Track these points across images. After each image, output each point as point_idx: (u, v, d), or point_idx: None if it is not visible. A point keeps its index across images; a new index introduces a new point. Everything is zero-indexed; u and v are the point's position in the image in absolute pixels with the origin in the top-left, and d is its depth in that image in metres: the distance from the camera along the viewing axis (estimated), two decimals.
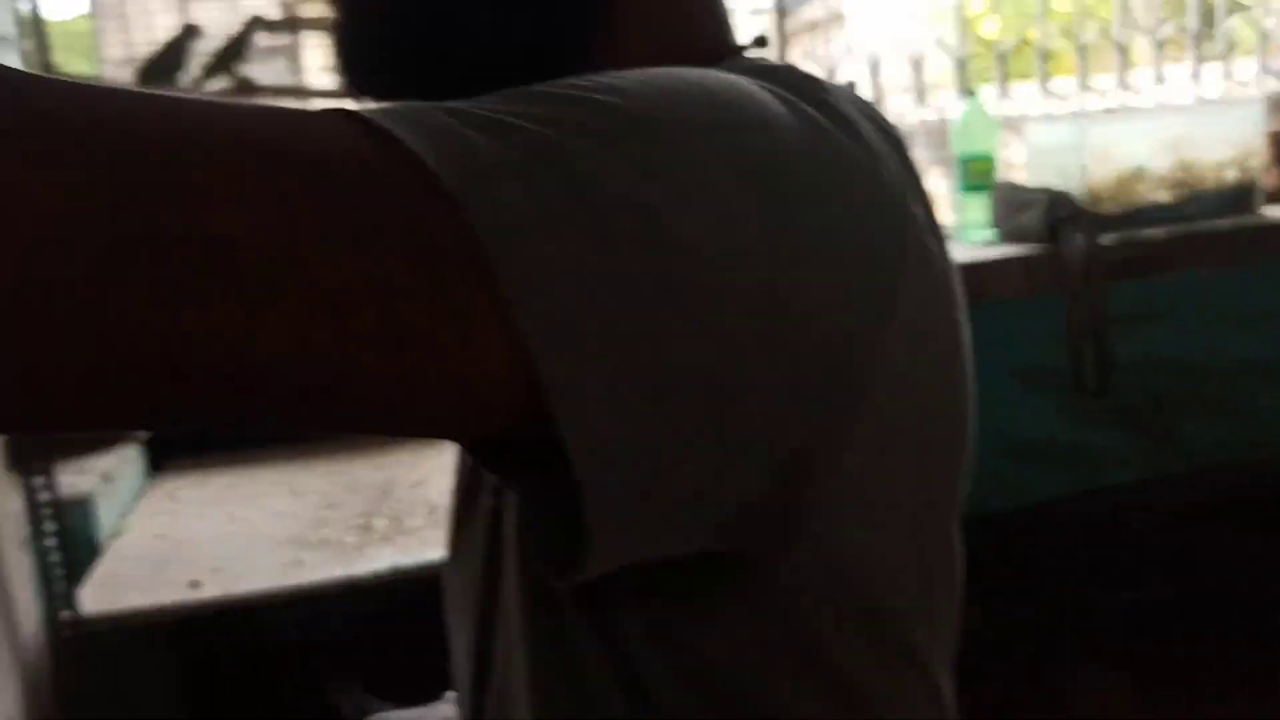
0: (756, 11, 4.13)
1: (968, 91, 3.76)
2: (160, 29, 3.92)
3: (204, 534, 2.63)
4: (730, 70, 0.56)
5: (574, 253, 0.41)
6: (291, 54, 4.30)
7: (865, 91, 4.04)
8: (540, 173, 0.41)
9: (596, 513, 0.43)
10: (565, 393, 0.40)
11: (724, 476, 0.46)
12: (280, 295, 0.37)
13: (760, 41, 0.75)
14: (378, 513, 2.69)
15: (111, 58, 4.24)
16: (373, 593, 2.33)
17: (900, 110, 4.08)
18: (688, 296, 0.43)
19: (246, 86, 3.04)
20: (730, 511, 0.47)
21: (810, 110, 0.51)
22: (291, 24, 3.19)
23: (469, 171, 0.40)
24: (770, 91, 0.51)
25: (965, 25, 4.52)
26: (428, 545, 2.32)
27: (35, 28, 3.45)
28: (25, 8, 3.39)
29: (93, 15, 4.18)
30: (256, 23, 3.09)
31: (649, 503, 0.44)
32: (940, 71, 4.12)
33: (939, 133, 4.17)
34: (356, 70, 0.65)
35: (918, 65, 4.05)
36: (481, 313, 0.40)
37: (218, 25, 3.68)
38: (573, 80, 0.47)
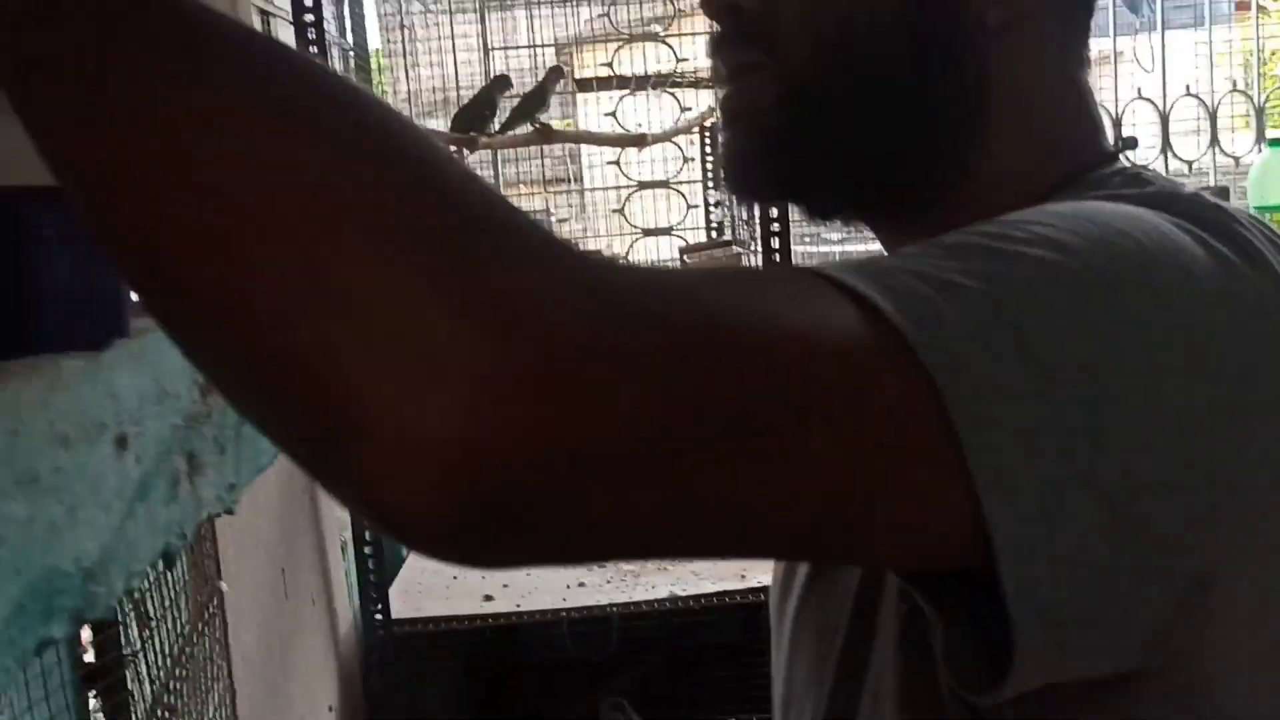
0: None
1: (1270, 141, 3.55)
2: (436, 66, 4.24)
3: None
4: (1128, 187, 0.60)
5: (1023, 415, 0.45)
6: (568, 100, 4.55)
7: (1153, 136, 3.89)
8: (995, 338, 0.46)
9: (1025, 644, 0.46)
10: (1009, 545, 0.45)
11: (1139, 603, 0.49)
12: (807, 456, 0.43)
13: (1130, 143, 0.77)
14: None
15: (399, 91, 4.62)
16: (647, 618, 2.43)
17: (1190, 156, 3.90)
18: (1118, 452, 0.47)
19: (547, 133, 3.24)
20: (1142, 636, 0.50)
21: (1224, 249, 0.53)
22: (580, 83, 3.38)
23: (939, 342, 0.44)
24: (1184, 230, 0.53)
25: (1261, 67, 4.28)
26: (702, 578, 2.41)
27: (360, 60, 3.82)
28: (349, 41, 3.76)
29: (385, 52, 4.56)
30: (556, 73, 3.29)
31: (1075, 632, 0.48)
32: (1230, 116, 3.91)
33: (1231, 180, 3.97)
34: (746, 176, 0.71)
35: (1211, 111, 3.86)
36: (944, 473, 0.45)
37: (473, 70, 3.94)
38: (1004, 229, 0.51)
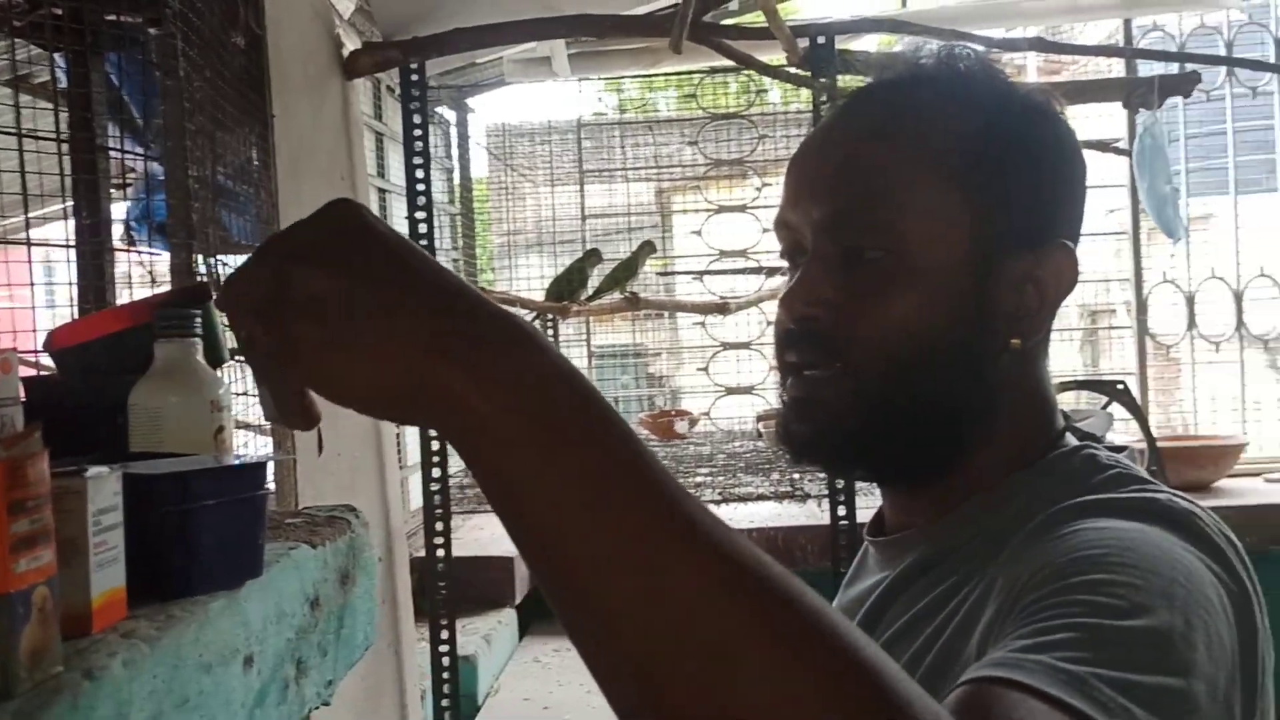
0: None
1: None
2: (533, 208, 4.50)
3: (565, 701, 2.94)
4: (1111, 486, 0.75)
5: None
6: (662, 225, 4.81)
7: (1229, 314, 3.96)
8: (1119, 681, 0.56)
9: None
10: None
11: None
12: None
13: (1078, 432, 0.92)
14: None
15: (499, 229, 4.92)
16: None
17: (1268, 329, 3.97)
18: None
19: (635, 301, 3.46)
20: None
21: (1201, 554, 0.67)
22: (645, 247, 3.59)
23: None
24: (1190, 553, 0.67)
25: None
26: None
27: (464, 195, 4.12)
28: (456, 176, 4.07)
29: (486, 186, 4.87)
30: (648, 247, 3.53)
31: None
32: None
33: None
34: (807, 453, 0.84)
35: None
36: None
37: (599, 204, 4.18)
38: (1107, 596, 0.62)
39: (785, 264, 0.87)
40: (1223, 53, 3.79)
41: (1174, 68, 2.93)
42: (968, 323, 0.79)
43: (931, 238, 0.78)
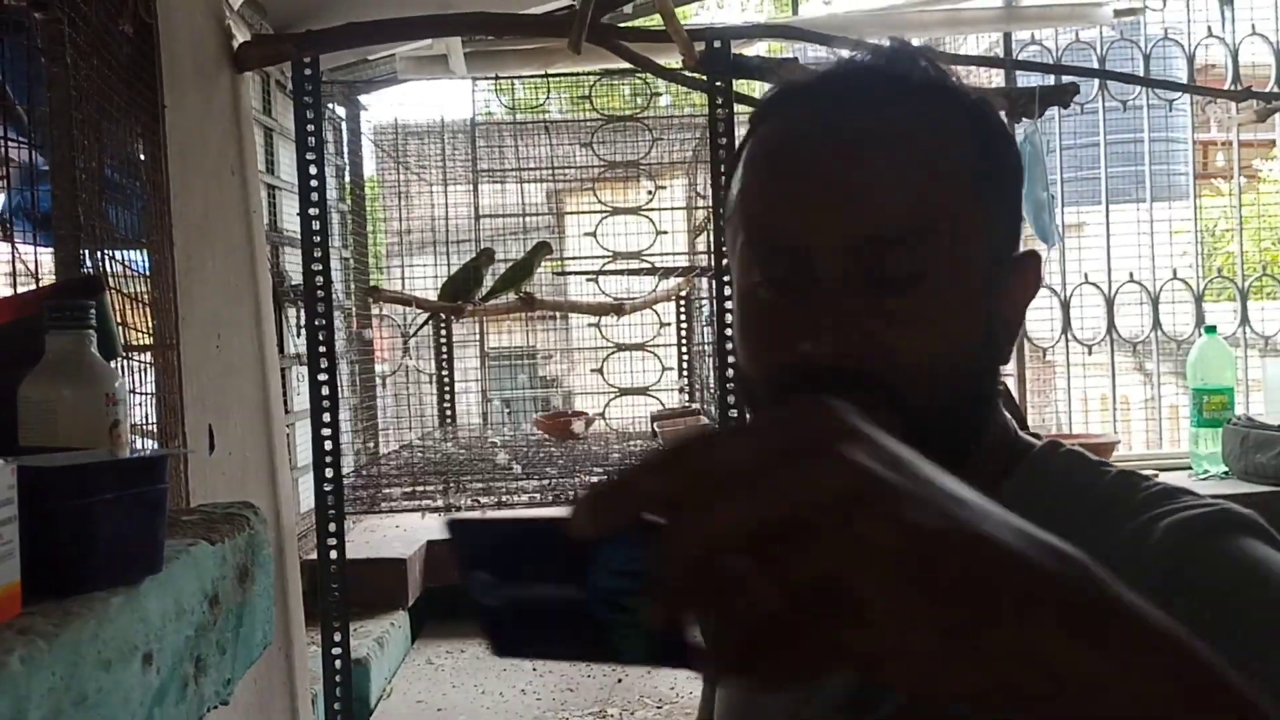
0: None
1: (1207, 328, 3.80)
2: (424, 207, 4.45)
3: (458, 704, 2.92)
4: (1129, 488, 0.77)
5: None
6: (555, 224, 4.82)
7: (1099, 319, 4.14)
8: None
9: None
10: None
11: None
12: None
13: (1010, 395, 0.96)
14: (611, 701, 2.92)
15: (391, 229, 4.85)
16: None
17: (1136, 332, 4.15)
18: None
19: (530, 301, 3.46)
20: None
21: None
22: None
23: None
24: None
25: (1205, 252, 4.57)
26: None
27: (354, 193, 4.05)
28: (347, 174, 4.00)
29: (381, 185, 4.79)
30: (544, 248, 3.54)
31: None
32: (1173, 303, 4.17)
33: (1174, 353, 4.21)
34: None
35: (1153, 296, 4.13)
36: None
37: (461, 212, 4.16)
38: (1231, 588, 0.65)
39: (752, 279, 0.77)
40: (1097, 66, 3.97)
41: (1052, 80, 3.05)
42: (986, 342, 0.78)
43: (965, 258, 0.75)
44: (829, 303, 0.73)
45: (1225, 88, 3.96)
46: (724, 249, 0.83)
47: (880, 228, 0.73)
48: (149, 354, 1.83)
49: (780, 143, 0.78)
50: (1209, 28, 4.14)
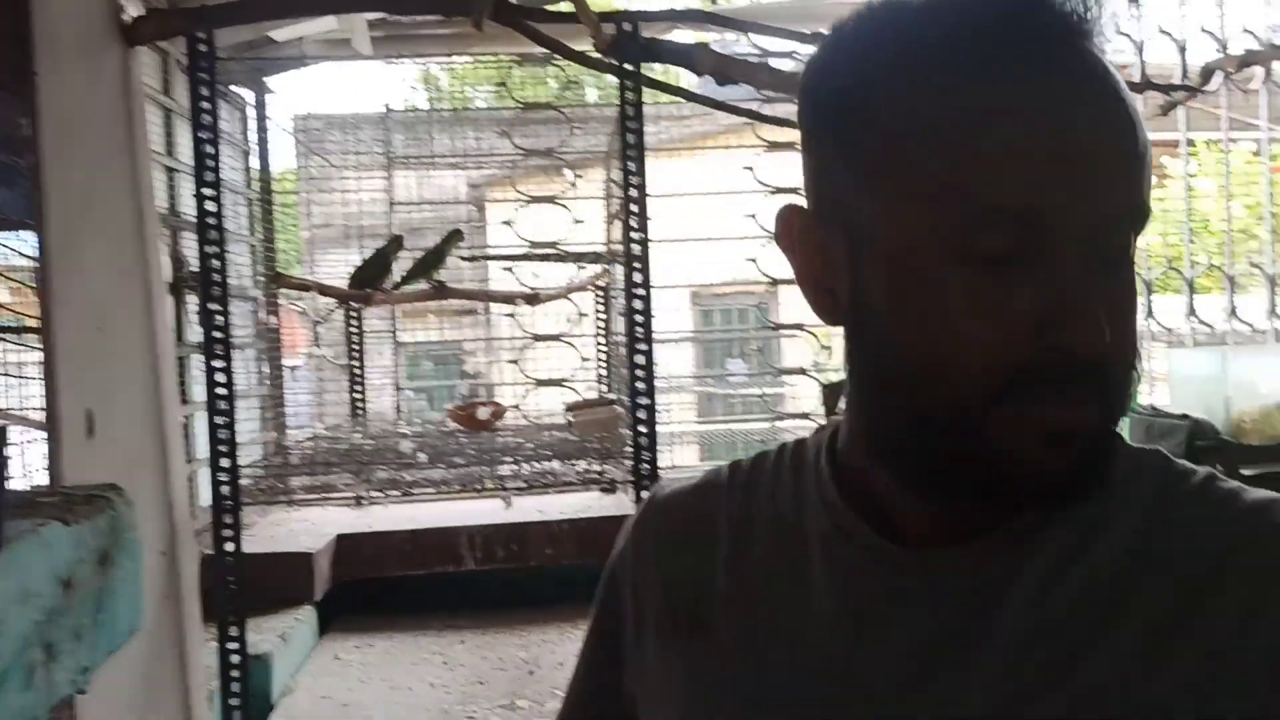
0: None
1: None
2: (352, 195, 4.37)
3: (364, 699, 2.85)
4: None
5: None
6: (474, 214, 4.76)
7: None
8: None
9: None
10: None
11: None
12: None
13: None
14: (522, 694, 2.88)
15: (314, 219, 4.76)
16: None
17: None
18: None
19: (442, 290, 3.40)
20: None
21: None
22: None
23: None
24: None
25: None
26: None
27: (263, 183, 3.93)
28: (255, 164, 3.90)
29: (299, 176, 4.69)
30: (456, 235, 3.47)
31: None
32: None
33: None
34: (1073, 490, 0.65)
35: None
36: None
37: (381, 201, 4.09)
38: None
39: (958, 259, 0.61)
40: None
41: None
42: None
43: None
44: (1092, 285, 0.61)
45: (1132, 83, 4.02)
46: (797, 240, 0.68)
47: (1142, 193, 0.64)
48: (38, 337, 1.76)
49: (1025, 98, 0.62)
50: (1115, 25, 4.20)
